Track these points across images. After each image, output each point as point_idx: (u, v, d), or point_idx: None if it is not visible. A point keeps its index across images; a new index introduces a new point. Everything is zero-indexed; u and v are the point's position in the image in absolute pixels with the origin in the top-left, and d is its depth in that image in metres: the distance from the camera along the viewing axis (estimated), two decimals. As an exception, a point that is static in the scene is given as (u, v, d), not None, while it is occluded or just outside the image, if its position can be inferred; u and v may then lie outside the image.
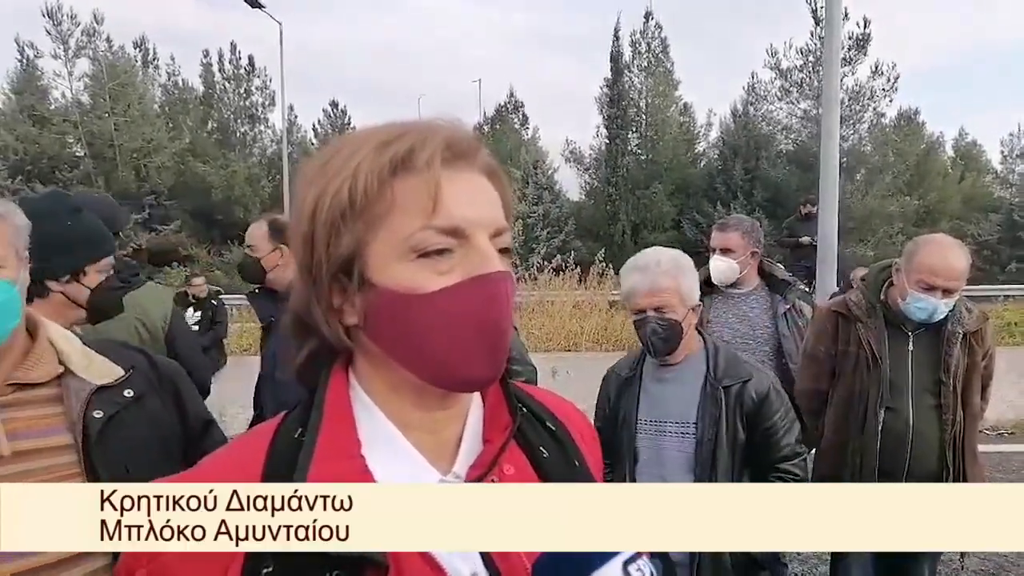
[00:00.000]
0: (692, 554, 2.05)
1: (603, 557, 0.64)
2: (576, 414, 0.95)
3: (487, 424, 0.80)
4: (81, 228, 1.86)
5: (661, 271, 2.14)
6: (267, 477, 0.69)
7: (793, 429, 2.21)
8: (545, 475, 0.80)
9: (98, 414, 1.21)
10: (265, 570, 0.65)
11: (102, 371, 1.27)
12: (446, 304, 0.67)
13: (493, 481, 0.75)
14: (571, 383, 6.87)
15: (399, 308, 0.68)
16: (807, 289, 5.01)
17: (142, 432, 1.27)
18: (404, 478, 0.72)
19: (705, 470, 2.08)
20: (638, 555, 0.65)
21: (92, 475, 1.16)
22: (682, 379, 2.23)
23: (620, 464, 2.25)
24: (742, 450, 2.13)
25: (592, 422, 0.99)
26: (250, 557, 0.65)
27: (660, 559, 0.61)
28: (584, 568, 0.63)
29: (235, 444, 0.77)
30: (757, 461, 2.17)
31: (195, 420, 1.43)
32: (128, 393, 1.28)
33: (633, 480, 2.21)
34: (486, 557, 0.72)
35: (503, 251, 0.72)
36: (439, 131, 0.71)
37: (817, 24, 24.17)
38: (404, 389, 0.73)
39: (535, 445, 0.81)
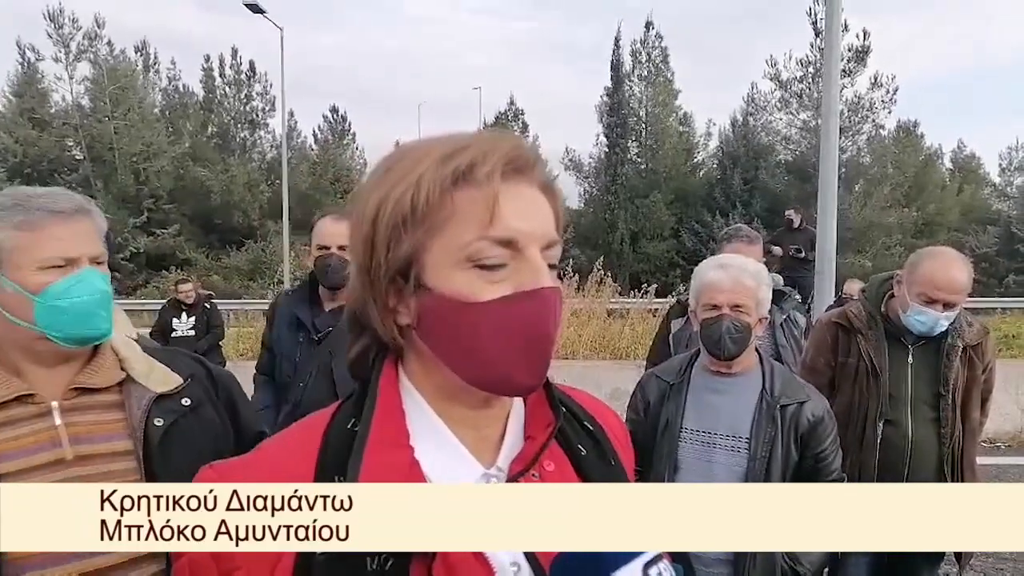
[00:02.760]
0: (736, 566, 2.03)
1: (623, 557, 0.63)
2: (611, 415, 0.98)
3: (529, 421, 0.83)
4: None
5: (746, 272, 2.11)
6: (321, 465, 0.73)
7: (839, 453, 2.18)
8: (583, 473, 0.82)
9: (159, 422, 1.21)
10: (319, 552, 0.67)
11: (162, 379, 1.27)
12: (497, 314, 0.70)
13: (534, 476, 0.78)
14: (569, 391, 6.85)
15: (452, 313, 0.71)
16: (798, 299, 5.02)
17: (198, 441, 1.27)
18: (449, 470, 0.75)
19: None
20: (659, 558, 0.65)
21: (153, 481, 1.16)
22: (736, 392, 2.17)
23: (655, 471, 2.19)
24: (793, 471, 2.09)
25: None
26: None
27: (681, 564, 0.62)
28: (603, 568, 0.63)
29: (290, 432, 0.80)
30: (803, 483, 2.13)
31: (248, 431, 1.42)
32: (185, 402, 1.28)
33: None
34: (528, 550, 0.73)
35: (551, 266, 0.75)
36: (501, 146, 0.73)
37: (817, 35, 24.32)
38: (451, 388, 0.76)
39: (574, 443, 0.84)
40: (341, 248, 2.81)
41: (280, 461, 0.74)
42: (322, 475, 0.71)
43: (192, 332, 7.71)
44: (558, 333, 0.74)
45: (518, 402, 0.83)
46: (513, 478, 0.76)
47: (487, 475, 0.77)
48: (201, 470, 0.75)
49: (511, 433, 0.81)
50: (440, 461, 0.75)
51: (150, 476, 1.17)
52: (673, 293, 12.21)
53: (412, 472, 0.72)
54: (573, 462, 0.83)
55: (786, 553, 2.08)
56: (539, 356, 0.72)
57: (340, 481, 0.69)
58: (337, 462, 0.72)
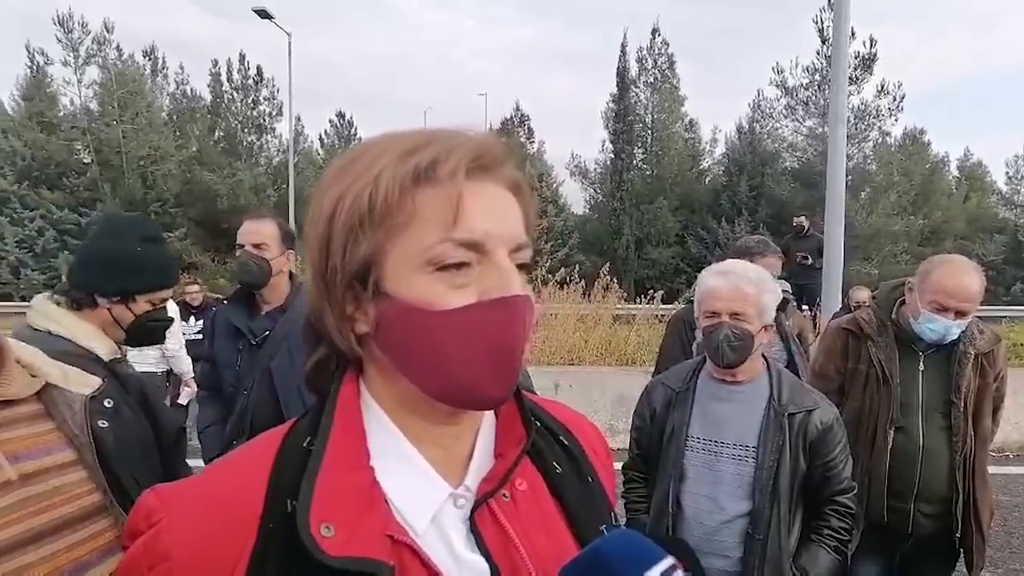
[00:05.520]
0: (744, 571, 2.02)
1: (637, 568, 0.61)
2: (589, 427, 0.92)
3: (500, 437, 0.78)
4: (147, 258, 1.84)
5: (746, 278, 2.08)
6: (272, 487, 0.67)
7: (849, 462, 2.15)
8: (558, 491, 0.78)
9: (103, 424, 1.12)
10: None
11: (82, 381, 1.17)
12: (461, 324, 0.65)
13: (505, 497, 0.74)
14: (574, 396, 6.84)
15: (412, 322, 0.66)
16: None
17: (130, 445, 1.19)
18: (414, 491, 0.71)
19: (765, 497, 2.01)
20: (674, 568, 0.62)
21: (118, 491, 1.09)
22: (743, 400, 2.15)
23: (662, 479, 2.18)
24: (801, 480, 2.07)
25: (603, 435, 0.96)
26: (253, 569, 0.64)
27: (695, 574, 0.59)
28: None
29: (242, 451, 0.74)
30: (813, 492, 2.11)
31: (169, 429, 1.34)
32: (108, 403, 1.19)
33: (678, 498, 2.13)
34: (496, 574, 0.70)
35: (522, 266, 0.70)
36: (465, 142, 0.68)
37: (823, 43, 24.29)
38: (413, 401, 0.71)
39: (548, 460, 0.80)
40: (256, 246, 2.80)
41: (228, 484, 0.68)
42: (273, 498, 0.66)
43: (200, 335, 7.67)
44: (528, 342, 0.69)
45: (488, 416, 0.79)
46: (482, 499, 0.72)
47: (454, 495, 0.72)
48: (143, 496, 0.69)
49: (480, 450, 0.76)
50: (404, 482, 0.70)
51: (112, 483, 1.09)
52: (680, 299, 12.17)
53: (372, 494, 0.67)
54: (547, 480, 0.78)
55: (794, 564, 2.07)
56: (507, 368, 0.68)
57: (292, 505, 0.64)
58: (290, 484, 0.66)
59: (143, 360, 6.05)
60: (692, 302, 3.17)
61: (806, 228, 10.85)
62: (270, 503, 0.66)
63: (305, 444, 0.69)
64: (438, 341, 0.66)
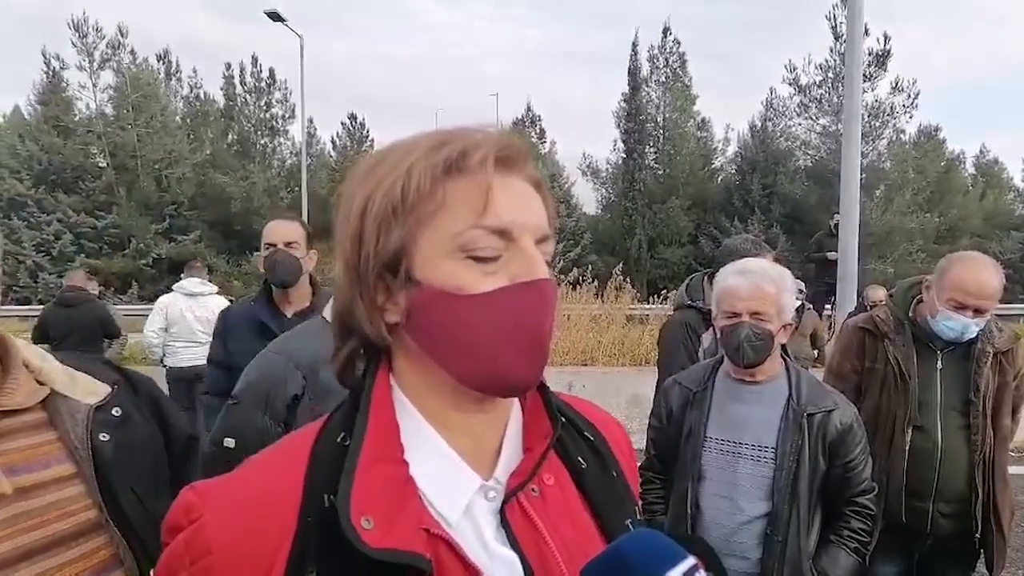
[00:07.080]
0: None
1: (659, 567, 0.61)
2: (613, 424, 0.94)
3: (527, 432, 0.79)
4: None
5: (766, 277, 2.06)
6: (309, 483, 0.69)
7: (869, 463, 2.14)
8: (583, 486, 0.80)
9: (104, 437, 1.07)
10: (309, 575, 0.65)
11: (89, 389, 1.11)
12: (491, 307, 0.68)
13: (533, 491, 0.75)
14: (587, 397, 6.81)
15: (443, 306, 0.68)
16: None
17: (138, 455, 1.14)
18: (446, 482, 0.72)
19: (784, 498, 2.00)
20: (696, 567, 0.62)
21: (113, 507, 1.04)
22: (761, 400, 2.13)
23: (680, 480, 2.17)
24: (820, 481, 2.06)
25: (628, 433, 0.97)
26: (292, 562, 0.65)
27: (715, 573, 0.59)
28: None
29: (276, 449, 0.76)
30: (833, 493, 2.10)
31: (180, 436, 1.28)
32: (116, 412, 1.13)
33: (696, 499, 2.12)
34: (527, 568, 0.71)
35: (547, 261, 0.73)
36: (492, 136, 0.72)
37: (836, 40, 24.14)
38: (442, 390, 0.73)
39: (574, 455, 0.81)
40: (287, 244, 2.82)
41: (265, 480, 0.70)
42: (310, 494, 0.68)
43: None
44: (554, 326, 0.72)
45: (516, 411, 0.80)
46: (512, 492, 0.73)
47: (485, 487, 0.73)
48: (182, 492, 0.70)
49: (509, 443, 0.78)
50: (436, 474, 0.72)
51: (108, 500, 1.04)
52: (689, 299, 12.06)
53: (406, 489, 0.69)
54: (573, 475, 0.80)
55: (814, 565, 2.05)
56: (536, 351, 0.70)
57: (330, 500, 0.66)
58: (327, 480, 0.67)
59: (203, 354, 6.16)
60: (689, 306, 3.15)
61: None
62: (307, 498, 0.68)
63: (339, 440, 0.71)
64: (468, 325, 0.68)
